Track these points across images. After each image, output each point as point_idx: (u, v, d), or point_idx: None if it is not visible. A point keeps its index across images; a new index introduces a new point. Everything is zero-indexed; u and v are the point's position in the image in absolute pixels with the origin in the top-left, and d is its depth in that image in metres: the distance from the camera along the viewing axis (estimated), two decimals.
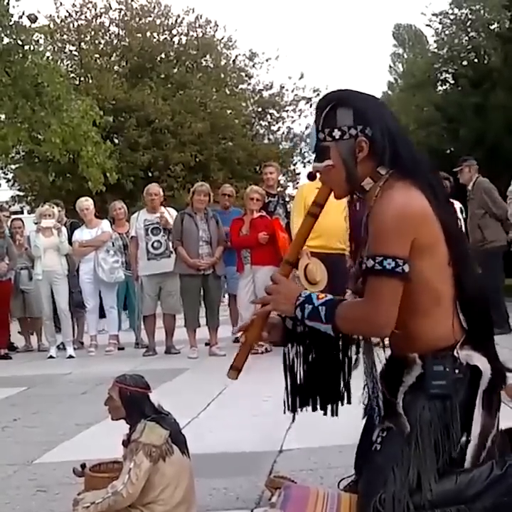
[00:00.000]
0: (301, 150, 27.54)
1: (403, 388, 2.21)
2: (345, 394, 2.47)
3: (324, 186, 2.39)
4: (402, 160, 2.21)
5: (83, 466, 2.74)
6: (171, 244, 8.04)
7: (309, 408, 2.51)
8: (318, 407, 2.50)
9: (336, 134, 2.24)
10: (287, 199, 9.27)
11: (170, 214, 8.35)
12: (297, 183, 26.42)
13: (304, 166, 27.70)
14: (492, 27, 25.39)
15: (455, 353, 2.17)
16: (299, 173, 28.14)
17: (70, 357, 8.29)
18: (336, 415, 2.50)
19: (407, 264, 2.11)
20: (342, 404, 2.49)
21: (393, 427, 2.19)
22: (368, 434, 2.36)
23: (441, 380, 2.15)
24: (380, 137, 2.20)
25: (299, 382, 2.48)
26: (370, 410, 2.36)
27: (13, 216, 10.84)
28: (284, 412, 2.51)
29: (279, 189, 10.77)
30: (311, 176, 2.72)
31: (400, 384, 2.21)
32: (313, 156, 2.35)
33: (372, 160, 2.23)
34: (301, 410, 2.50)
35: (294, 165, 27.89)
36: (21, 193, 25.62)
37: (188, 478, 2.50)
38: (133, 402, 2.47)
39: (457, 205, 7.72)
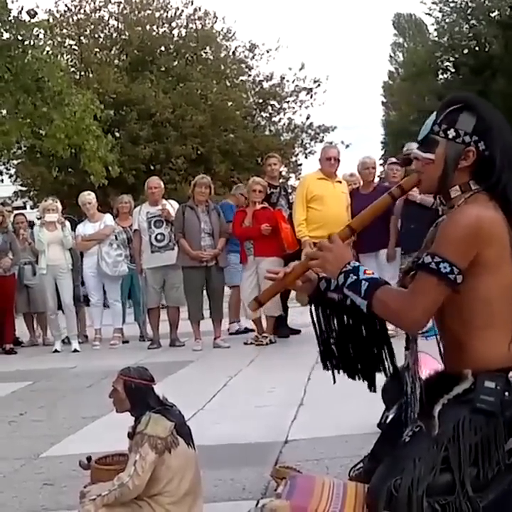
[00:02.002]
0: (302, 141, 27.48)
1: (447, 397, 2.21)
2: (389, 368, 2.43)
3: (415, 175, 2.38)
4: (503, 183, 2.21)
5: (89, 458, 2.76)
6: (173, 236, 8.04)
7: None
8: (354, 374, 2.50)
9: (451, 133, 2.24)
10: (289, 190, 9.26)
11: (172, 206, 8.35)
12: (299, 174, 26.37)
13: (306, 157, 27.66)
14: (492, 14, 25.29)
15: (510, 377, 2.18)
16: (300, 164, 28.11)
17: (75, 351, 8.31)
18: (374, 390, 2.49)
19: (461, 275, 2.12)
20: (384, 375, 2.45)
21: (423, 427, 2.19)
22: (395, 428, 2.37)
23: (490, 396, 2.14)
24: (496, 158, 2.21)
25: (329, 342, 2.49)
26: (402, 408, 2.37)
27: (16, 211, 10.83)
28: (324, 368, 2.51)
29: (281, 180, 10.75)
30: (405, 161, 2.74)
31: (443, 395, 2.22)
32: (420, 142, 2.33)
33: (469, 172, 2.24)
34: (338, 372, 2.49)
35: (296, 156, 27.84)
36: (24, 188, 25.62)
37: (193, 469, 2.51)
38: (137, 394, 2.48)
39: None
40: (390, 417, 2.54)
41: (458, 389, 2.20)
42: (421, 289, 2.15)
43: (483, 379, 2.17)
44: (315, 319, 2.50)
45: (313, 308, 2.50)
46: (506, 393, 2.16)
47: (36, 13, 14.19)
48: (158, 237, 8.18)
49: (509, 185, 2.22)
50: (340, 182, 7.83)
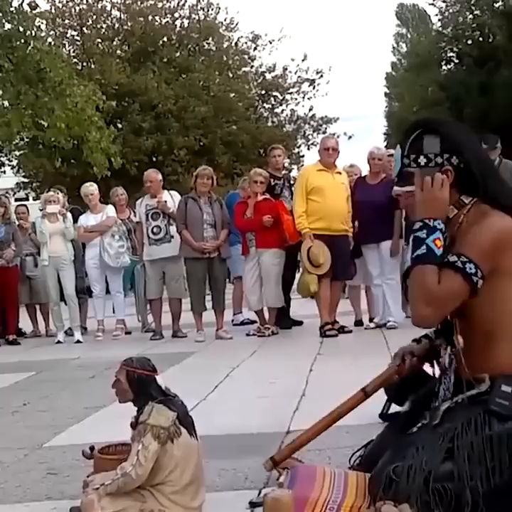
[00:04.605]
0: (304, 132, 27.44)
1: (461, 396, 2.22)
2: None
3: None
4: (491, 190, 2.22)
5: (92, 448, 2.77)
6: (171, 228, 8.04)
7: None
8: None
9: (422, 160, 2.24)
10: (292, 182, 9.25)
11: (173, 198, 8.34)
12: (301, 165, 26.33)
13: (308, 149, 27.64)
14: (496, 5, 25.19)
15: None
16: (303, 156, 28.08)
17: (78, 342, 8.33)
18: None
19: (482, 280, 2.12)
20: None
21: (429, 419, 2.22)
22: (403, 422, 2.41)
23: (504, 400, 2.14)
24: (475, 169, 2.21)
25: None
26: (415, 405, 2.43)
27: (17, 203, 10.84)
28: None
29: (284, 172, 10.73)
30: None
31: (457, 394, 2.24)
32: (396, 178, 2.34)
33: (455, 189, 2.23)
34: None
35: (298, 147, 27.80)
36: (26, 180, 25.61)
37: (196, 459, 2.52)
38: (140, 384, 2.49)
39: None
40: (402, 410, 2.55)
41: (473, 391, 2.20)
42: (444, 285, 2.13)
43: (500, 382, 2.16)
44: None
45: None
46: None
47: (37, 6, 14.15)
48: (155, 229, 8.17)
49: (498, 192, 2.22)
50: (340, 173, 7.80)
